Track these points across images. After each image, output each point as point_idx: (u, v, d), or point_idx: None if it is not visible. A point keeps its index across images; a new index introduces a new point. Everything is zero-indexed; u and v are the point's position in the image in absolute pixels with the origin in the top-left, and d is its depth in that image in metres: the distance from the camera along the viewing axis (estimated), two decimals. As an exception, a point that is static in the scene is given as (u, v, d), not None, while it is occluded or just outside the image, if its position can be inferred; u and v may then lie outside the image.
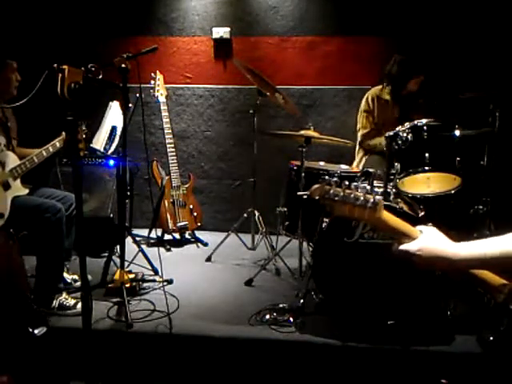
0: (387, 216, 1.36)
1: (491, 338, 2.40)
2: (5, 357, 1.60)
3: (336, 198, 1.28)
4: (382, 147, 3.60)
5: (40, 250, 2.85)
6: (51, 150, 2.96)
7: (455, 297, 2.77)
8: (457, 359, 2.47)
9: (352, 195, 1.28)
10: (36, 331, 1.81)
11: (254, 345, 2.60)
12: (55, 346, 2.31)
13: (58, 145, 2.98)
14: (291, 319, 2.74)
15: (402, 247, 1.32)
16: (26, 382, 1.65)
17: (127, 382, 2.60)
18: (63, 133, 2.97)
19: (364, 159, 3.74)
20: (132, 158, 3.77)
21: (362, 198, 1.29)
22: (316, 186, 1.32)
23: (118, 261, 3.09)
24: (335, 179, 1.31)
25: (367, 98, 3.79)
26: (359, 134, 3.78)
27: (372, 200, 1.30)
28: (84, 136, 3.09)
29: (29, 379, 1.67)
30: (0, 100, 2.97)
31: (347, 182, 1.30)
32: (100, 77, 2.32)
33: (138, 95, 3.03)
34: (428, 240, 1.31)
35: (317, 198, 1.31)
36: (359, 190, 1.30)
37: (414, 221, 2.57)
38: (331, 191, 1.29)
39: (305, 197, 1.32)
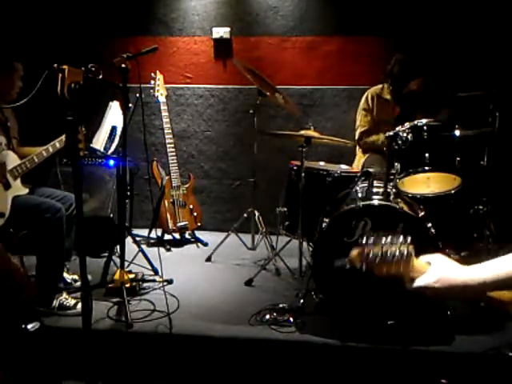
0: (417, 262, 1.32)
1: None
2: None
3: (377, 261, 1.27)
4: (378, 145, 3.61)
5: (40, 249, 2.85)
6: (51, 150, 2.97)
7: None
8: (457, 359, 2.47)
9: (389, 252, 1.27)
10: (29, 326, 1.81)
11: (254, 345, 2.60)
12: (54, 345, 2.31)
13: (57, 145, 2.98)
14: (291, 319, 2.74)
15: (420, 283, 1.28)
16: (19, 378, 1.65)
17: (127, 382, 2.60)
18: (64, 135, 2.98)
19: (363, 158, 3.74)
20: (132, 158, 3.78)
21: (397, 254, 1.27)
22: (354, 252, 1.30)
23: (118, 261, 3.09)
24: (369, 241, 1.29)
25: (367, 97, 3.79)
26: (357, 132, 3.79)
27: (406, 252, 1.28)
28: (83, 136, 3.11)
29: (21, 376, 1.67)
30: (0, 101, 2.97)
31: (381, 239, 1.29)
32: (100, 77, 2.31)
33: (138, 95, 3.02)
34: (441, 270, 1.29)
35: (359, 266, 1.29)
36: (393, 244, 1.29)
37: (414, 221, 2.60)
38: (370, 254, 1.27)
39: (347, 267, 1.31)
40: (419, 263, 1.30)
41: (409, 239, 1.29)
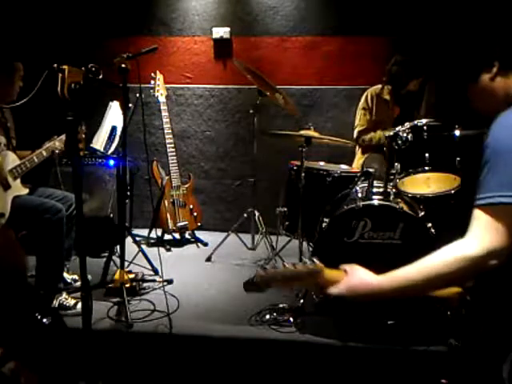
0: (334, 273, 1.47)
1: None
2: (13, 343, 1.60)
3: (280, 277, 1.41)
4: (376, 141, 3.61)
5: (40, 250, 2.85)
6: (51, 149, 2.97)
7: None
8: (457, 359, 2.47)
9: (292, 270, 1.41)
10: (45, 320, 1.81)
11: (254, 345, 2.60)
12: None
13: (57, 144, 2.98)
14: (291, 319, 2.74)
15: (332, 291, 1.41)
16: (35, 368, 1.65)
17: (127, 382, 2.60)
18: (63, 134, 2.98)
19: (362, 159, 3.74)
20: (132, 158, 3.78)
21: (303, 270, 1.42)
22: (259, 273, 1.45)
23: (118, 261, 3.09)
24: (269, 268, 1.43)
25: (366, 96, 3.80)
26: (355, 131, 3.79)
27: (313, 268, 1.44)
28: (83, 135, 3.11)
29: (38, 366, 1.67)
30: (1, 101, 2.97)
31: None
32: (100, 77, 2.31)
33: (138, 95, 3.03)
34: (351, 280, 1.41)
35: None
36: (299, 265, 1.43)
37: (414, 221, 2.60)
38: (273, 273, 1.41)
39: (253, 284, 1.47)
40: (336, 273, 1.45)
41: (316, 261, 1.49)
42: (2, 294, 1.65)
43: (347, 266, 1.47)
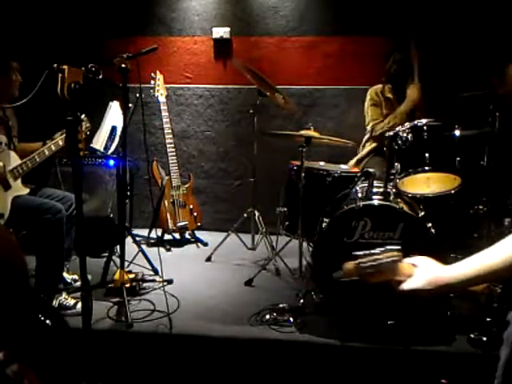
0: (402, 266, 1.39)
1: (484, 339, 2.43)
2: (16, 345, 1.60)
3: (369, 270, 1.36)
4: (389, 127, 3.56)
5: (40, 250, 2.85)
6: (53, 148, 2.96)
7: (455, 297, 2.77)
8: (457, 359, 2.47)
9: (379, 261, 1.36)
10: (48, 321, 1.80)
11: (254, 345, 2.60)
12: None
13: (60, 143, 2.97)
14: (291, 319, 2.74)
15: (409, 286, 1.35)
16: (39, 370, 1.64)
17: (127, 382, 2.60)
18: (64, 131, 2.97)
19: (364, 161, 3.75)
20: (132, 158, 3.78)
21: (387, 261, 1.36)
22: (349, 265, 1.39)
23: (118, 261, 3.09)
24: (362, 253, 1.38)
25: (371, 94, 3.78)
26: (369, 126, 3.73)
27: (394, 258, 1.37)
28: (88, 132, 3.12)
29: (41, 369, 1.66)
30: (2, 100, 2.97)
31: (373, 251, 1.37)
32: (100, 77, 2.31)
33: (138, 95, 3.02)
34: (428, 272, 1.35)
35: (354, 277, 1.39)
36: (383, 253, 1.37)
37: (414, 221, 2.60)
38: (363, 265, 1.37)
39: (344, 279, 1.41)
40: (404, 266, 1.37)
41: (397, 247, 1.38)
42: (3, 296, 1.65)
43: (414, 259, 1.40)
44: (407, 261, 1.39)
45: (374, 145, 3.76)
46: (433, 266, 1.37)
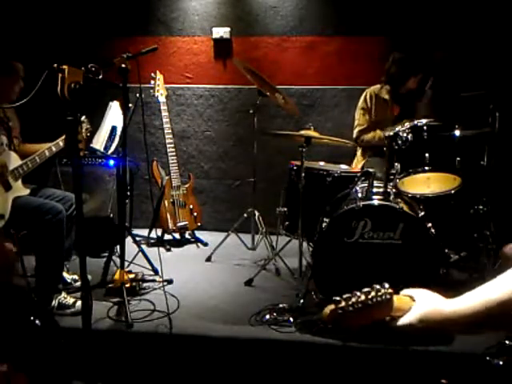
0: (399, 299, 1.25)
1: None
2: (7, 346, 1.60)
3: (351, 309, 1.18)
4: (376, 141, 3.60)
5: (40, 250, 2.85)
6: (54, 149, 2.97)
7: (455, 296, 2.76)
8: (457, 359, 2.47)
9: (365, 299, 1.19)
10: (37, 321, 1.80)
11: (254, 345, 2.60)
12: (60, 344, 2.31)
13: (61, 144, 2.98)
14: (291, 319, 2.74)
15: (403, 322, 1.22)
16: (28, 371, 1.64)
17: (127, 382, 2.60)
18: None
19: (361, 163, 3.74)
20: (132, 158, 3.78)
21: (375, 298, 1.19)
22: (326, 310, 1.20)
23: (118, 261, 3.09)
24: (338, 298, 1.19)
25: (365, 96, 3.79)
26: (355, 131, 3.78)
27: (384, 296, 1.20)
28: (88, 134, 3.12)
29: (31, 369, 1.66)
30: (2, 101, 2.97)
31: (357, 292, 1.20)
32: (100, 77, 2.31)
33: (138, 95, 3.02)
34: (424, 308, 1.22)
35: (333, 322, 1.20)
36: (369, 292, 1.20)
37: (414, 221, 2.60)
38: (345, 306, 1.18)
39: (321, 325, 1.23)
40: (402, 299, 1.24)
41: (386, 285, 1.21)
42: None
43: (413, 291, 1.26)
44: (404, 293, 1.27)
45: (362, 160, 3.76)
46: (432, 301, 1.23)
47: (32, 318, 1.77)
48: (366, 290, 1.19)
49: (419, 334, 1.22)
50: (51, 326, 1.85)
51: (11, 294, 1.84)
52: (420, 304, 1.22)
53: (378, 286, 1.21)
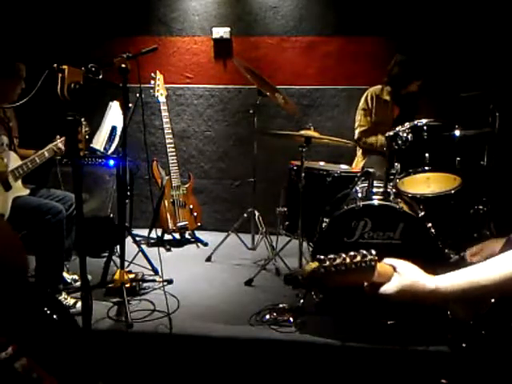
0: (381, 266, 1.27)
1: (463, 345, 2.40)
2: (25, 339, 1.60)
3: (333, 269, 1.19)
4: (377, 147, 3.61)
5: (40, 250, 2.85)
6: (53, 150, 2.97)
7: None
8: (457, 359, 2.47)
9: (348, 262, 1.21)
10: (55, 316, 1.80)
11: (254, 345, 2.60)
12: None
13: (60, 145, 2.98)
14: (291, 319, 2.74)
15: (383, 291, 1.25)
16: (50, 368, 1.64)
17: (127, 382, 2.60)
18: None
19: (362, 163, 3.74)
20: (132, 158, 3.78)
21: (358, 264, 1.21)
22: (308, 266, 1.20)
23: (118, 261, 3.09)
24: (323, 257, 1.19)
25: (366, 97, 3.79)
26: (356, 132, 3.78)
27: (368, 262, 1.22)
28: (87, 136, 3.12)
29: (52, 366, 1.66)
30: (2, 101, 2.97)
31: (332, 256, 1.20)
32: (100, 77, 2.31)
33: (138, 95, 3.03)
34: (404, 280, 1.25)
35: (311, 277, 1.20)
36: (354, 256, 1.22)
37: (414, 221, 2.60)
38: (327, 265, 1.20)
39: (300, 279, 1.21)
40: (384, 267, 1.26)
41: (373, 251, 1.23)
42: (6, 290, 1.65)
43: (396, 262, 1.29)
44: (387, 261, 1.29)
45: (362, 161, 3.76)
46: (413, 274, 1.26)
47: (48, 310, 1.77)
48: (352, 253, 1.21)
49: (393, 301, 1.24)
50: (68, 320, 1.84)
51: (22, 285, 1.84)
52: (402, 276, 1.25)
53: (364, 252, 1.22)
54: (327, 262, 1.19)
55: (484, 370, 1.47)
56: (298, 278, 1.26)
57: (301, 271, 1.24)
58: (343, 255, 1.21)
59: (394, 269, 1.28)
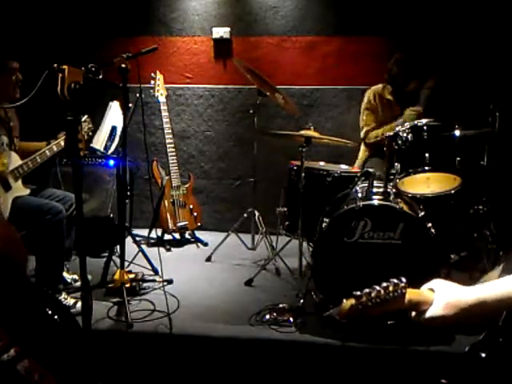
0: (411, 294, 1.27)
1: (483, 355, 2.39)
2: (27, 340, 1.59)
3: (370, 304, 1.24)
4: (382, 138, 3.60)
5: (40, 250, 2.85)
6: (55, 149, 2.96)
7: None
8: (457, 359, 2.47)
9: (382, 293, 1.24)
10: (56, 317, 1.79)
11: (254, 345, 2.60)
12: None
13: (62, 143, 2.97)
14: (291, 319, 2.74)
15: (428, 315, 1.24)
16: (51, 368, 1.64)
17: (127, 382, 2.60)
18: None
19: (365, 153, 3.76)
20: (132, 158, 3.78)
21: (390, 293, 1.24)
22: (346, 304, 1.24)
23: (118, 261, 3.09)
24: (359, 293, 1.23)
25: (369, 96, 3.80)
26: (363, 131, 3.79)
27: (399, 290, 1.25)
28: (90, 133, 3.12)
29: (54, 366, 1.65)
30: (2, 101, 2.97)
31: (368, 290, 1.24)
32: (100, 77, 2.31)
33: (138, 95, 3.03)
34: (446, 295, 1.24)
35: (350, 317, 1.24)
36: (385, 287, 1.25)
37: (414, 221, 2.60)
38: (364, 300, 1.24)
39: (337, 318, 1.25)
40: (423, 294, 1.27)
41: (403, 279, 1.24)
42: (8, 290, 1.65)
43: (432, 284, 1.28)
44: (425, 287, 1.29)
45: (366, 153, 3.78)
46: (454, 290, 1.24)
47: (49, 310, 1.76)
48: (384, 284, 1.24)
49: (447, 325, 1.23)
50: (69, 320, 1.83)
51: (23, 284, 1.83)
52: (441, 293, 1.24)
53: (395, 281, 1.24)
54: (364, 298, 1.23)
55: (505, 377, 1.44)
56: (336, 318, 1.27)
57: (337, 311, 1.26)
58: (377, 288, 1.24)
59: (432, 290, 1.27)
